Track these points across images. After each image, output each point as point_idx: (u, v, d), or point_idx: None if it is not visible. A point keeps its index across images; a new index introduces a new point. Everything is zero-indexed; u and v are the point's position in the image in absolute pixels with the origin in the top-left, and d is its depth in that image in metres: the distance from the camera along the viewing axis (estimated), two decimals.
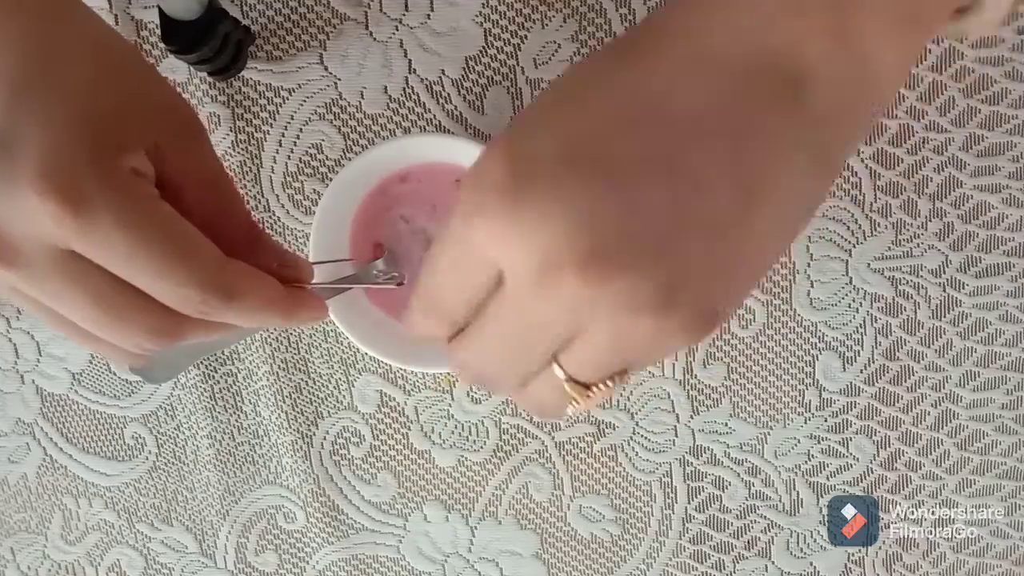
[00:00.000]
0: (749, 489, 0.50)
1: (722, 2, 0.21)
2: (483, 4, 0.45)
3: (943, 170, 0.46)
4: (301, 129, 0.46)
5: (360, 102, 0.46)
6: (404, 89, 0.46)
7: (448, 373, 0.48)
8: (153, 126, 0.26)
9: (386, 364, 0.49)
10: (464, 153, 0.42)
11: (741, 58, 0.21)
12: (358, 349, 0.48)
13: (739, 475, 0.49)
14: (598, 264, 0.19)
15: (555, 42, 0.45)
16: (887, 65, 0.21)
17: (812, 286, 0.47)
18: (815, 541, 0.50)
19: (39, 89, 0.23)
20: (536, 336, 0.22)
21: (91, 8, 0.27)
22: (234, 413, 0.50)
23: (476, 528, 0.51)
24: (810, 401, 0.48)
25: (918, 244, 0.47)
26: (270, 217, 0.47)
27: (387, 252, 0.44)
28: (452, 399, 0.49)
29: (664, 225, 0.20)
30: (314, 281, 0.31)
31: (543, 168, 0.20)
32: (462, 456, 0.50)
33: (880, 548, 0.50)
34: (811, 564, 0.50)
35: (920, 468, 0.49)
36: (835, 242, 0.47)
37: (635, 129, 0.20)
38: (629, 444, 0.49)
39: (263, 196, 0.47)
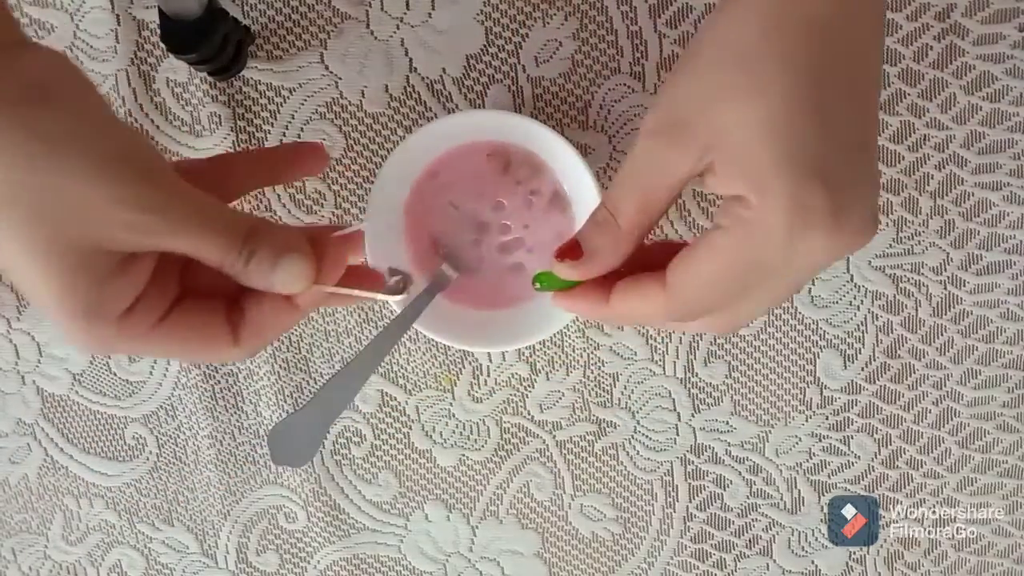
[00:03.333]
0: (750, 487, 0.50)
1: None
2: (484, 2, 0.45)
3: (944, 167, 0.46)
4: (302, 129, 0.46)
5: (361, 101, 0.46)
6: (405, 88, 0.46)
7: (448, 372, 0.49)
8: (99, 253, 0.26)
9: (386, 364, 0.49)
10: (473, 126, 0.41)
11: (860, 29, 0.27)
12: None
13: (740, 473, 0.49)
14: (876, 223, 0.28)
15: (556, 40, 0.45)
16: None
17: (813, 284, 0.47)
18: (816, 540, 0.50)
19: (11, 271, 0.26)
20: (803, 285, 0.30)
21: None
22: (235, 413, 0.50)
23: (477, 527, 0.51)
24: (811, 399, 0.48)
25: (919, 242, 0.47)
26: (272, 217, 0.47)
27: (444, 253, 0.43)
28: (453, 398, 0.49)
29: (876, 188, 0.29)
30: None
31: (839, 180, 0.26)
32: (463, 455, 0.50)
33: (882, 546, 0.50)
34: (812, 562, 0.50)
35: (921, 466, 0.49)
36: None
37: (852, 110, 0.27)
38: (630, 443, 0.49)
39: (264, 196, 0.47)
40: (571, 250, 0.30)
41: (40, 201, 0.25)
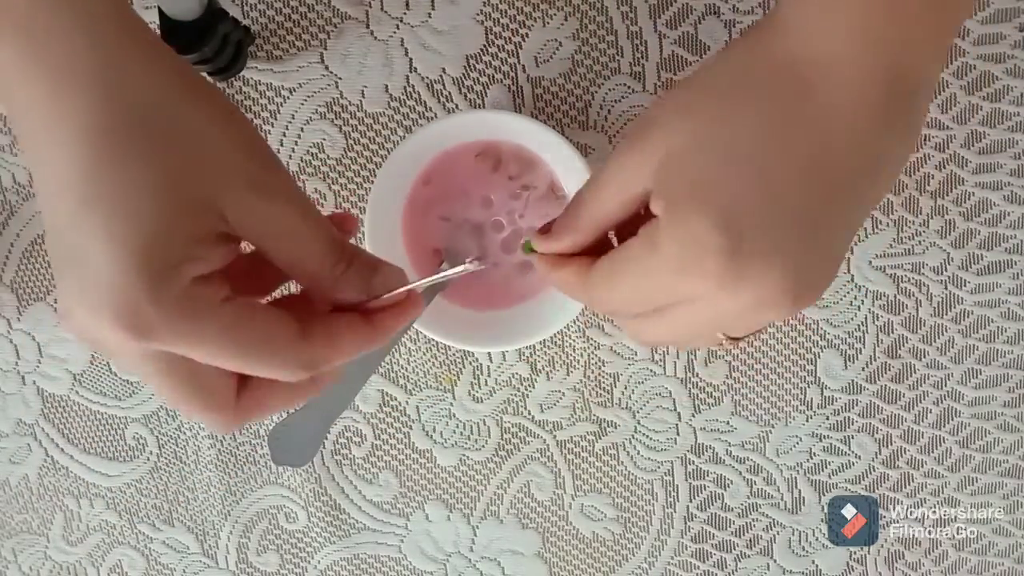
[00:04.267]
0: (751, 487, 0.50)
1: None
2: (484, 2, 0.45)
3: (945, 167, 0.46)
4: (302, 128, 0.46)
5: (361, 101, 0.46)
6: (405, 88, 0.46)
7: (449, 372, 0.49)
8: (212, 211, 0.25)
9: (386, 364, 0.49)
10: (466, 126, 0.41)
11: (864, 99, 0.25)
12: None
13: (741, 473, 0.49)
14: (800, 300, 0.26)
15: (556, 40, 0.45)
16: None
17: None
18: (817, 539, 0.50)
19: (98, 205, 0.23)
20: (716, 331, 0.29)
21: (144, 45, 0.25)
22: None
23: (478, 527, 0.51)
24: (812, 399, 0.48)
25: (920, 242, 0.47)
26: None
27: (445, 253, 0.43)
28: (454, 398, 0.49)
29: (839, 254, 0.27)
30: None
31: (753, 238, 0.25)
32: (464, 455, 0.50)
33: (882, 546, 0.50)
34: (813, 562, 0.50)
35: (922, 466, 0.49)
36: None
37: (809, 185, 0.26)
38: (631, 443, 0.49)
39: None
40: (547, 226, 0.32)
41: (180, 133, 0.24)
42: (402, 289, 0.29)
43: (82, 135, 0.23)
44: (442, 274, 0.32)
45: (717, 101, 0.27)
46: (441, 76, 0.46)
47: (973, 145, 0.46)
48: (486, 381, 0.49)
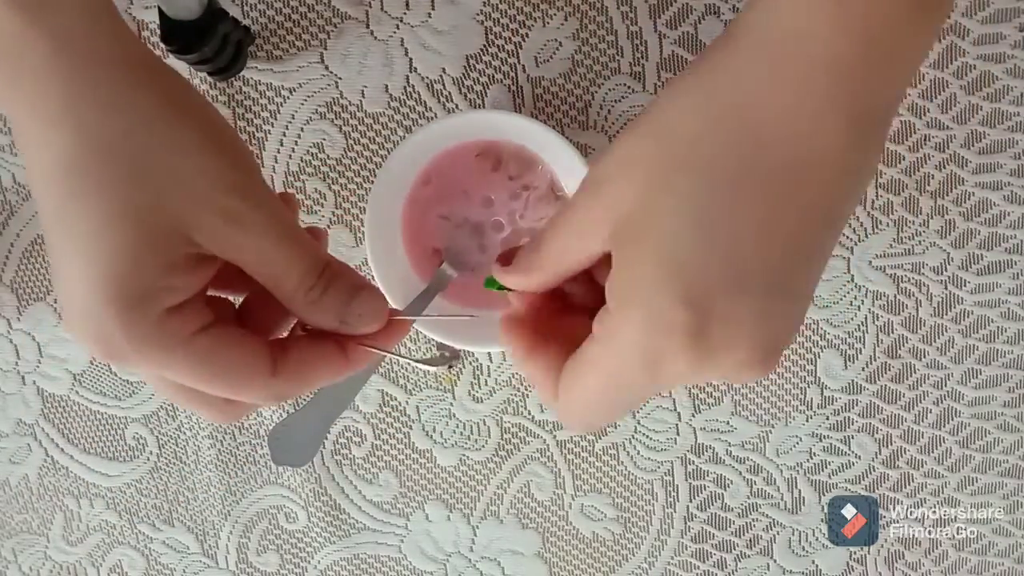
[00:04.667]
0: (751, 487, 0.50)
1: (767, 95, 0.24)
2: (484, 2, 0.45)
3: (945, 167, 0.46)
4: (302, 129, 0.46)
5: (361, 101, 0.46)
6: (405, 88, 0.46)
7: (449, 371, 0.49)
8: (182, 239, 0.25)
9: (386, 364, 0.49)
10: (466, 126, 0.41)
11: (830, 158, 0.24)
12: None
13: (741, 473, 0.49)
14: (768, 363, 0.24)
15: (556, 40, 0.45)
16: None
17: None
18: (817, 539, 0.50)
19: (69, 239, 0.24)
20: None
21: (129, 58, 0.25)
22: None
23: (478, 527, 0.51)
24: (812, 399, 0.48)
25: (920, 242, 0.47)
26: None
27: (446, 253, 0.43)
28: (454, 398, 0.49)
29: (811, 291, 0.26)
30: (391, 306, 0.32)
31: (717, 307, 0.23)
32: (464, 455, 0.50)
33: (882, 546, 0.50)
34: (813, 562, 0.50)
35: (922, 466, 0.49)
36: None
37: (774, 239, 0.24)
38: (631, 443, 0.49)
39: None
40: (507, 257, 0.29)
41: (148, 164, 0.24)
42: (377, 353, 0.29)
43: (52, 167, 0.24)
44: (425, 316, 0.32)
45: (669, 159, 0.24)
46: (441, 76, 0.46)
47: (973, 145, 0.46)
48: (486, 381, 0.49)
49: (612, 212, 0.25)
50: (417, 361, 0.33)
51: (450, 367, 0.32)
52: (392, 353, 0.30)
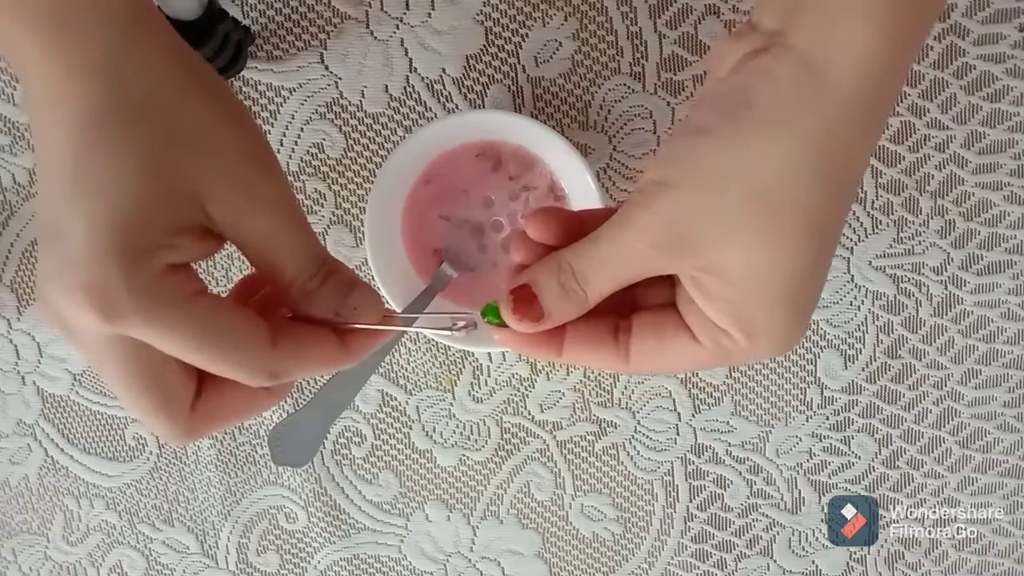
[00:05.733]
0: (751, 487, 0.50)
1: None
2: (484, 2, 0.45)
3: (945, 167, 0.46)
4: (302, 129, 0.46)
5: (361, 101, 0.46)
6: (405, 88, 0.46)
7: (449, 372, 0.49)
8: (195, 205, 0.25)
9: (386, 364, 0.49)
10: (466, 126, 0.41)
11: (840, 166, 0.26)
12: None
13: (741, 473, 0.49)
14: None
15: (556, 40, 0.45)
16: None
17: None
18: (817, 540, 0.50)
19: (82, 187, 0.24)
20: None
21: (157, 38, 0.26)
22: None
23: (478, 527, 0.51)
24: (812, 399, 0.48)
25: (920, 242, 0.47)
26: None
27: (445, 253, 0.43)
28: (454, 398, 0.49)
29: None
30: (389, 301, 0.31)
31: (808, 304, 0.27)
32: (464, 455, 0.50)
33: (882, 546, 0.50)
34: (813, 562, 0.50)
35: (922, 466, 0.49)
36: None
37: (827, 230, 0.27)
38: (631, 443, 0.49)
39: None
40: (527, 305, 0.28)
41: (176, 127, 0.25)
42: (392, 318, 0.28)
43: (80, 117, 0.24)
44: (425, 316, 0.32)
45: (783, 220, 0.26)
46: (441, 76, 0.46)
47: (973, 145, 0.46)
48: (486, 381, 0.49)
49: (702, 262, 0.27)
50: (433, 329, 0.32)
51: (467, 331, 0.31)
52: (403, 329, 0.30)
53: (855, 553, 0.50)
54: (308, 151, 0.47)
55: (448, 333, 0.30)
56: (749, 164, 0.25)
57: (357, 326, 0.28)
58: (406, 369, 0.49)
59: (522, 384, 0.49)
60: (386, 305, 0.29)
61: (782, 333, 0.27)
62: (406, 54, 0.45)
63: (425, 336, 0.47)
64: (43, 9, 0.24)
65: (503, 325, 0.29)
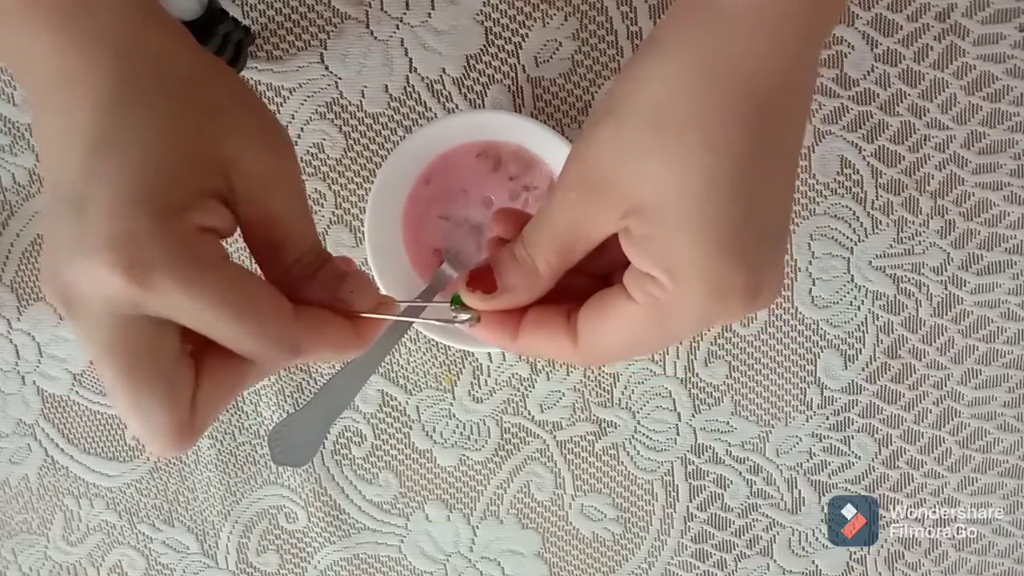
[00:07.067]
0: (751, 487, 0.50)
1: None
2: (484, 2, 0.45)
3: (944, 167, 0.46)
4: (302, 129, 0.46)
5: (361, 101, 0.46)
6: (405, 88, 0.46)
7: (449, 372, 0.49)
8: (220, 175, 0.25)
9: (386, 364, 0.49)
10: (466, 126, 0.41)
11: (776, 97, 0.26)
12: None
13: (741, 473, 0.49)
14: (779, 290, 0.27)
15: (556, 40, 0.45)
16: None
17: (814, 284, 0.47)
18: (817, 540, 0.50)
19: (110, 148, 0.23)
20: None
21: (172, 25, 0.26)
22: (235, 413, 0.50)
23: (478, 527, 0.51)
24: (812, 399, 0.48)
25: (920, 242, 0.47)
26: None
27: (445, 253, 0.44)
28: (454, 398, 0.49)
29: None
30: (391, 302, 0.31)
31: (760, 259, 0.26)
32: (464, 455, 0.50)
33: (882, 546, 0.50)
34: (813, 562, 0.50)
35: (922, 466, 0.49)
36: (837, 240, 0.47)
37: (784, 228, 0.27)
38: (631, 443, 0.49)
39: None
40: (483, 279, 0.29)
41: (204, 97, 0.25)
42: (391, 311, 0.29)
43: (103, 91, 0.24)
44: (427, 305, 0.32)
45: (671, 137, 0.25)
46: (441, 76, 0.46)
47: (973, 145, 0.46)
48: (486, 381, 0.49)
49: (625, 205, 0.26)
50: (437, 320, 0.32)
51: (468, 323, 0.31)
52: (405, 318, 0.30)
53: (855, 553, 0.50)
54: (308, 151, 0.47)
55: (449, 324, 0.30)
56: (646, 88, 0.26)
57: (368, 317, 0.28)
58: (406, 369, 0.49)
59: (522, 384, 0.49)
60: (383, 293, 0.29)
61: (710, 270, 0.25)
62: (406, 54, 0.45)
63: (425, 336, 0.47)
64: (59, 2, 0.24)
65: (465, 308, 0.29)
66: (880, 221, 0.46)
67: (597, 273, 0.30)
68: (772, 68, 0.25)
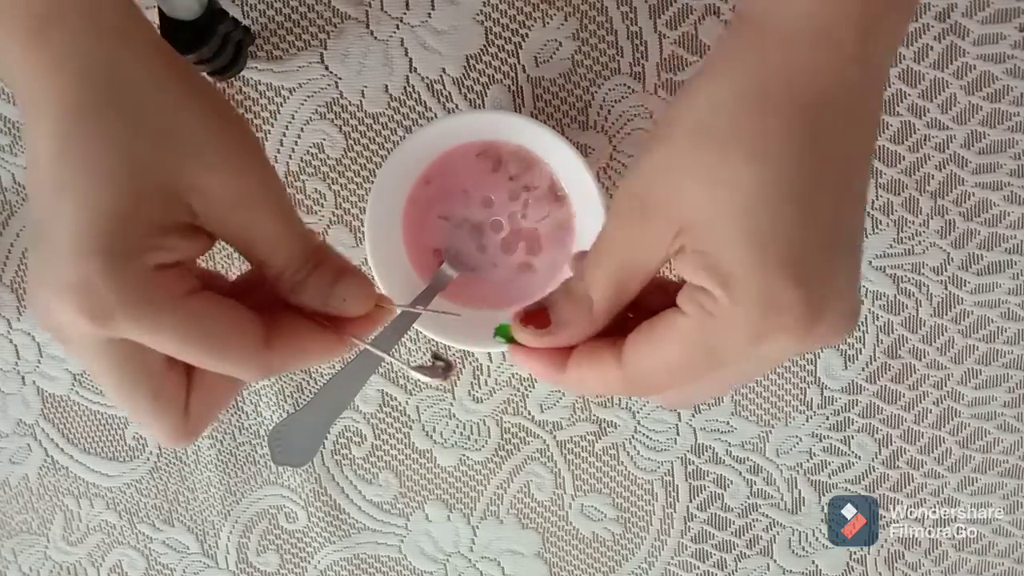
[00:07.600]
0: (751, 487, 0.50)
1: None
2: (484, 2, 0.45)
3: (945, 167, 0.46)
4: (302, 129, 0.46)
5: (361, 101, 0.46)
6: (405, 88, 0.46)
7: (445, 380, 0.49)
8: (179, 203, 0.25)
9: (387, 364, 0.49)
10: (466, 126, 0.41)
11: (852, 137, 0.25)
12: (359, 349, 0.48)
13: (741, 473, 0.49)
14: (856, 317, 0.26)
15: (556, 40, 0.45)
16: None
17: None
18: (817, 540, 0.50)
19: (67, 188, 0.24)
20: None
21: (142, 41, 0.26)
22: (235, 413, 0.50)
23: (478, 527, 0.51)
24: (812, 399, 0.48)
25: (920, 242, 0.47)
26: None
27: (446, 253, 0.44)
28: (454, 398, 0.49)
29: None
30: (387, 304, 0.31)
31: (821, 275, 0.25)
32: (464, 455, 0.50)
33: (882, 546, 0.50)
34: (813, 562, 0.50)
35: (922, 466, 0.49)
36: None
37: (851, 237, 0.26)
38: (631, 443, 0.49)
39: None
40: (537, 317, 0.28)
41: (157, 122, 0.25)
42: (396, 307, 0.29)
43: (60, 117, 0.24)
44: (419, 310, 0.32)
45: (718, 152, 0.25)
46: (441, 76, 0.46)
47: (973, 145, 0.46)
48: (486, 381, 0.49)
49: (676, 226, 0.25)
50: (413, 368, 0.32)
51: (445, 378, 0.31)
52: (384, 354, 0.30)
53: (855, 553, 0.50)
54: (308, 151, 0.47)
55: (426, 379, 0.30)
56: (692, 110, 0.26)
57: (345, 315, 0.28)
58: (406, 369, 0.49)
59: (522, 384, 0.49)
60: (379, 292, 0.29)
61: (762, 282, 0.24)
62: (406, 54, 0.45)
63: (425, 336, 0.47)
64: (31, 13, 0.24)
65: (513, 342, 0.29)
66: (880, 221, 0.46)
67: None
68: (823, 75, 0.25)
